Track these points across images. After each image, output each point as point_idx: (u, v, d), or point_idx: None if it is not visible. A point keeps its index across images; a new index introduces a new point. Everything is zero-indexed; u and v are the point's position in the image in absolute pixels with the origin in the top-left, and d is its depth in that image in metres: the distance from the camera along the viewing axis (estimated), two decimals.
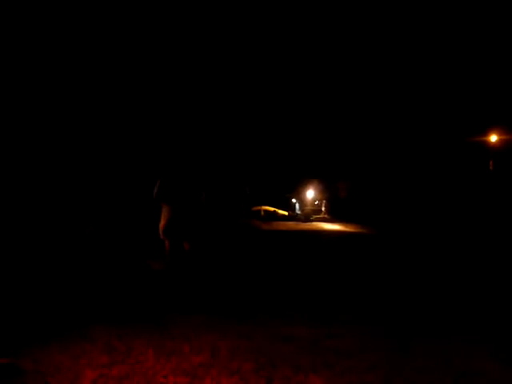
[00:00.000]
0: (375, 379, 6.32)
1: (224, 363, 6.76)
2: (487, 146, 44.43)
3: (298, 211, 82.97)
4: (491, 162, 44.54)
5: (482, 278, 14.82)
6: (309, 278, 14.43)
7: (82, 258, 15.28)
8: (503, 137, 43.82)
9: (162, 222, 14.08)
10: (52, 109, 17.60)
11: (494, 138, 44.28)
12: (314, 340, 7.91)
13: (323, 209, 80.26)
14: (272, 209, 68.76)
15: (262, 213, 66.24)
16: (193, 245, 13.82)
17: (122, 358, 6.84)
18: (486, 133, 44.23)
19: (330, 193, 78.01)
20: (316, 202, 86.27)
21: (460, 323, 9.26)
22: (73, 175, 18.12)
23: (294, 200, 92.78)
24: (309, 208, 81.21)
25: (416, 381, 6.28)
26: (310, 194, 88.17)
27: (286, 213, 70.71)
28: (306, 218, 68.30)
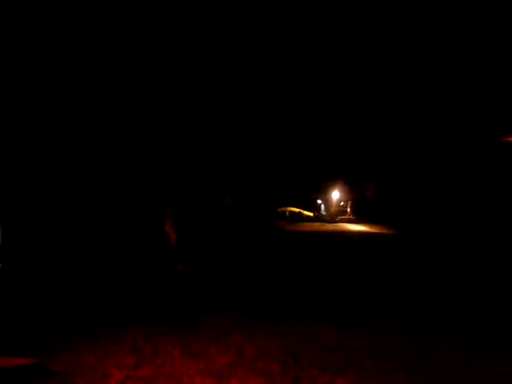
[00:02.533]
0: (400, 380, 6.29)
1: (250, 364, 6.77)
2: None
3: (323, 212, 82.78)
4: None
5: (508, 281, 14.67)
6: (332, 280, 14.39)
7: (107, 260, 15.36)
8: None
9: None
10: (79, 115, 17.78)
11: None
12: (339, 340, 7.89)
13: (348, 210, 79.93)
14: (297, 210, 68.47)
15: (287, 214, 66.04)
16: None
17: (149, 359, 6.87)
18: None
19: (355, 193, 77.54)
20: (341, 203, 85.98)
21: (484, 324, 9.18)
22: (96, 178, 18.24)
23: (319, 201, 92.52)
24: (334, 209, 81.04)
25: (441, 382, 6.25)
26: (336, 194, 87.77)
27: (311, 214, 70.37)
28: (332, 218, 68.06)
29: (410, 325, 9.10)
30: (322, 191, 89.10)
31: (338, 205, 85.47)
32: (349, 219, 69.06)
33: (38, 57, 16.06)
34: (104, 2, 17.83)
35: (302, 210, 69.09)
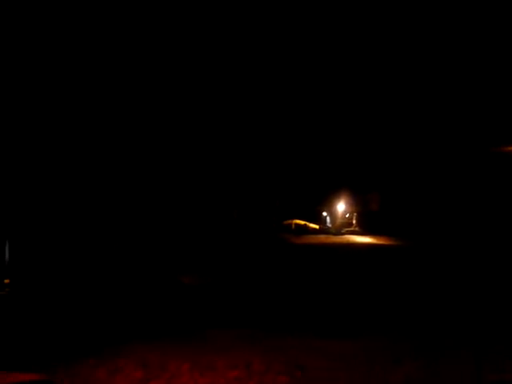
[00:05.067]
0: None
1: (259, 377, 6.77)
2: None
3: (328, 224, 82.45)
4: None
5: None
6: (341, 292, 14.35)
7: (116, 276, 15.37)
8: None
9: None
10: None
11: None
12: (347, 353, 7.88)
13: (354, 221, 79.56)
14: (303, 222, 68.12)
15: (293, 226, 65.70)
16: None
17: (157, 374, 6.88)
18: None
19: (360, 205, 77.23)
20: (347, 215, 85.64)
21: (493, 336, 9.15)
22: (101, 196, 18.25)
23: (324, 213, 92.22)
24: (340, 221, 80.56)
25: None
26: (341, 206, 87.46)
27: (316, 226, 70.01)
28: (337, 231, 67.69)
29: (419, 337, 9.08)
30: (328, 203, 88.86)
31: (343, 217, 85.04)
32: (354, 231, 68.77)
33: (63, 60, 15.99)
34: (105, 3, 17.82)
35: (307, 223, 68.81)
